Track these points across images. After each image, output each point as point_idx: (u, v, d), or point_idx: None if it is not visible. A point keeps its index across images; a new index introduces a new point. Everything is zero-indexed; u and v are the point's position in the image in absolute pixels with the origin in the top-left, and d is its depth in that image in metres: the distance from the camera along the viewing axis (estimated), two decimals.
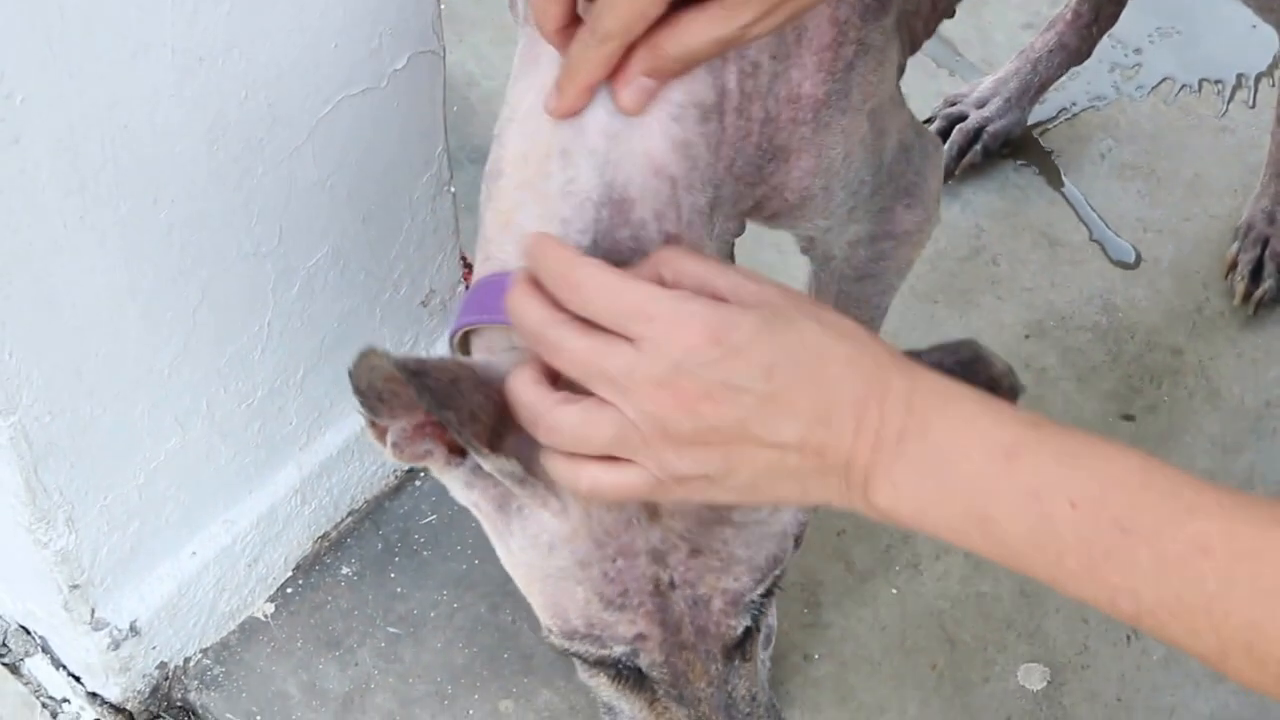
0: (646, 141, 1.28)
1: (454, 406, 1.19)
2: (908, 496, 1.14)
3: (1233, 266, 2.32)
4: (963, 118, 2.47)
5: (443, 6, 2.60)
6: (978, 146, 2.45)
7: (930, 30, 1.69)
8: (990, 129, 2.45)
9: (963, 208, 2.41)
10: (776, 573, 1.33)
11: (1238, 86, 2.60)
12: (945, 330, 2.26)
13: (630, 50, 1.24)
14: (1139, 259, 2.37)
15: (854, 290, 1.70)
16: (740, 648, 1.34)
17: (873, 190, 1.57)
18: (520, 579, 1.33)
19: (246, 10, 1.51)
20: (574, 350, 1.17)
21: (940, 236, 2.36)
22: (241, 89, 1.55)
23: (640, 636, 1.30)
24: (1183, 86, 2.60)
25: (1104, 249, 2.38)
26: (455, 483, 1.31)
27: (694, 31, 1.21)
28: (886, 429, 1.14)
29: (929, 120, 2.48)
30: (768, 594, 1.33)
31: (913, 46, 1.65)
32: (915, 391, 1.15)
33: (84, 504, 1.68)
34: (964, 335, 2.19)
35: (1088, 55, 2.47)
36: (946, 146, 2.44)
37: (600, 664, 1.33)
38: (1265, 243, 2.31)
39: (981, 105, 2.47)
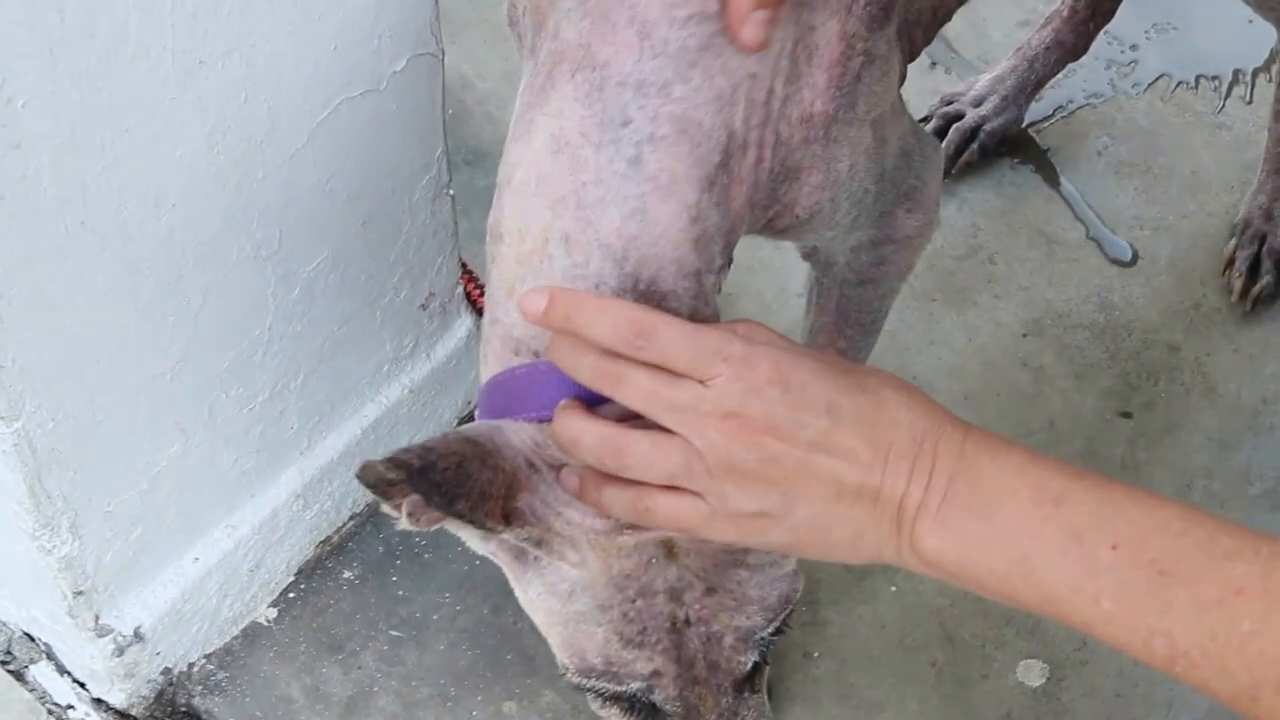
0: (675, 250, 1.29)
1: (464, 494, 1.21)
2: (953, 539, 1.18)
3: (1230, 263, 2.33)
4: (959, 116, 2.47)
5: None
6: (974, 145, 2.45)
7: (929, 37, 1.69)
8: (987, 127, 2.46)
9: (960, 206, 2.42)
10: (787, 611, 1.35)
11: (1234, 82, 2.60)
12: (943, 329, 2.27)
13: None
14: (1136, 256, 2.37)
15: (856, 295, 1.70)
16: (750, 680, 1.37)
17: (875, 197, 1.57)
18: (540, 622, 1.35)
19: (245, 13, 1.51)
20: (643, 382, 1.21)
21: (937, 235, 2.32)
22: (241, 92, 1.55)
23: (656, 673, 1.32)
24: (1179, 83, 2.60)
25: (1101, 247, 2.38)
26: (472, 537, 1.31)
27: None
28: (939, 471, 1.19)
29: (925, 119, 2.48)
30: (779, 632, 1.36)
31: (912, 54, 1.65)
32: (968, 439, 1.21)
33: (87, 510, 1.68)
34: (962, 333, 2.21)
35: (1084, 52, 2.48)
36: (943, 145, 2.44)
37: (615, 699, 1.34)
38: (1262, 239, 2.31)
39: (978, 103, 2.47)
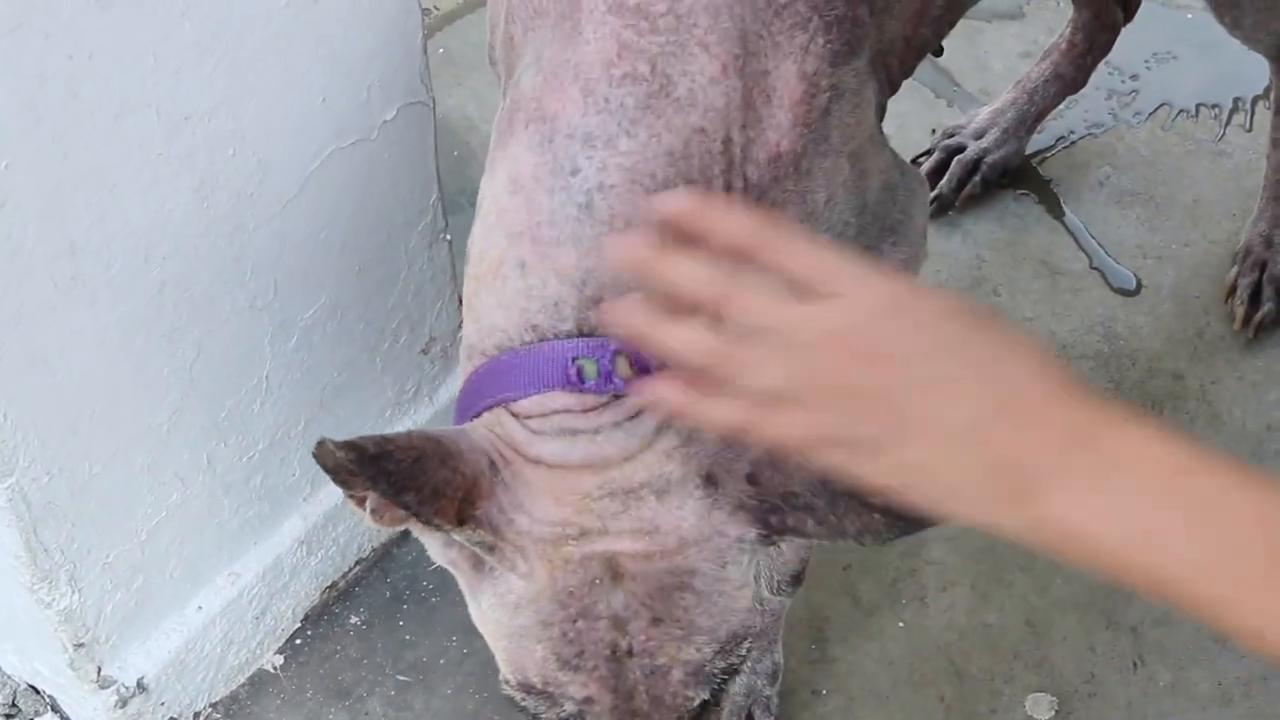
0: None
1: (414, 487, 1.24)
2: (1070, 507, 1.09)
3: (1232, 291, 2.32)
4: (961, 149, 2.47)
5: (440, 50, 2.65)
6: (977, 177, 2.45)
7: (908, 69, 1.69)
8: (989, 160, 2.46)
9: (963, 238, 2.42)
10: (742, 649, 1.36)
11: (1234, 110, 2.60)
12: None
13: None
14: (1139, 285, 2.37)
15: None
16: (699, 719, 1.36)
17: (857, 231, 1.57)
18: (488, 634, 1.37)
19: (231, 68, 1.52)
20: (753, 297, 1.14)
21: (941, 268, 2.36)
22: (229, 146, 1.57)
23: (589, 700, 1.33)
24: (1180, 111, 2.60)
25: (1104, 276, 2.38)
26: (434, 543, 1.35)
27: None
28: (1063, 437, 1.11)
29: (928, 152, 2.49)
30: (732, 670, 1.35)
31: (891, 86, 1.65)
32: (1096, 408, 1.12)
33: (86, 563, 1.69)
34: None
35: (1083, 84, 2.48)
36: (946, 178, 2.45)
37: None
38: (1263, 266, 2.31)
39: (979, 136, 2.48)
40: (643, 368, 1.31)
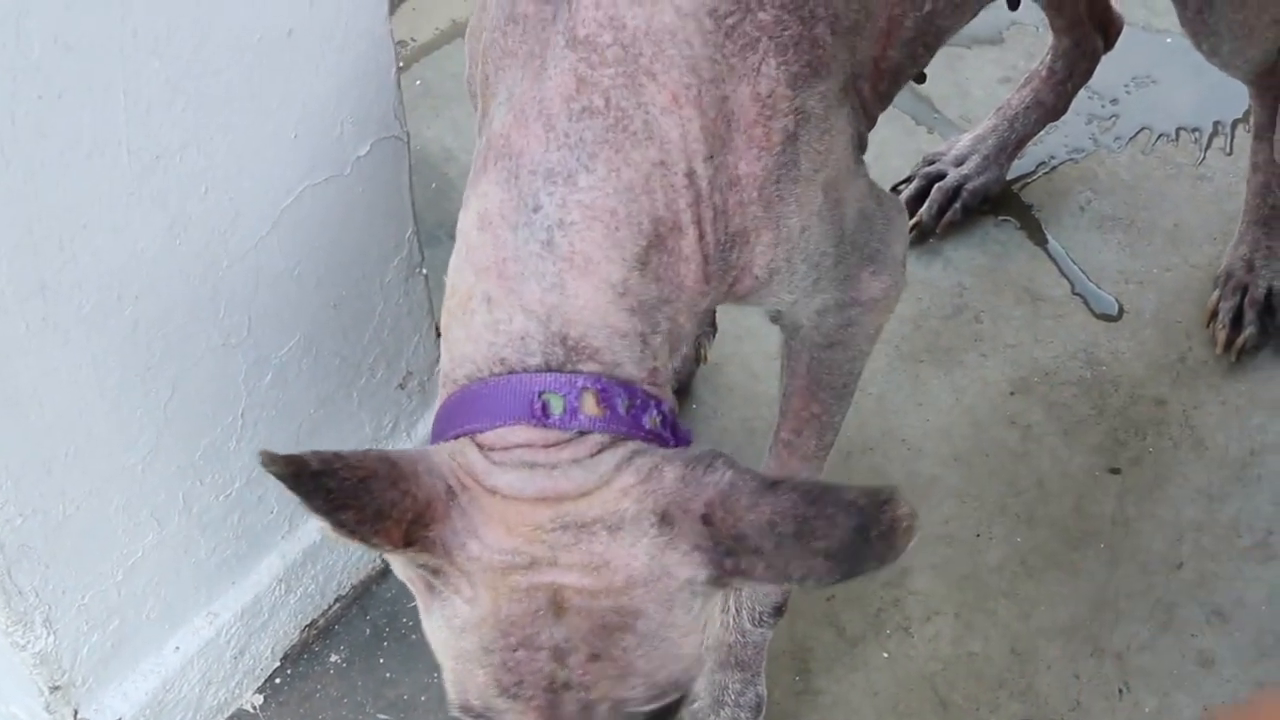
0: (604, 318, 1.33)
1: (355, 506, 1.25)
2: None
3: (1214, 315, 2.32)
4: (941, 176, 2.47)
5: (418, 82, 2.65)
6: (957, 204, 2.45)
7: (885, 96, 1.68)
8: (969, 186, 2.45)
9: (944, 266, 2.41)
10: (676, 696, 1.34)
11: (1214, 134, 2.60)
12: (931, 390, 2.26)
13: None
14: (1121, 311, 2.36)
15: (825, 357, 1.70)
16: None
17: (835, 260, 1.57)
18: (437, 652, 1.37)
19: (202, 106, 1.51)
20: None
21: (923, 295, 2.36)
22: (201, 184, 1.56)
23: None
24: (1160, 136, 2.60)
25: (1086, 302, 2.38)
26: (397, 562, 1.35)
27: None
28: None
29: (908, 179, 2.48)
30: (668, 712, 1.35)
31: (866, 115, 1.65)
32: None
33: (61, 604, 1.68)
34: (950, 394, 2.21)
35: (1064, 111, 2.48)
36: (926, 205, 2.44)
37: None
38: (1245, 290, 2.31)
39: (960, 163, 2.47)
40: (609, 405, 1.31)
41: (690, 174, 1.37)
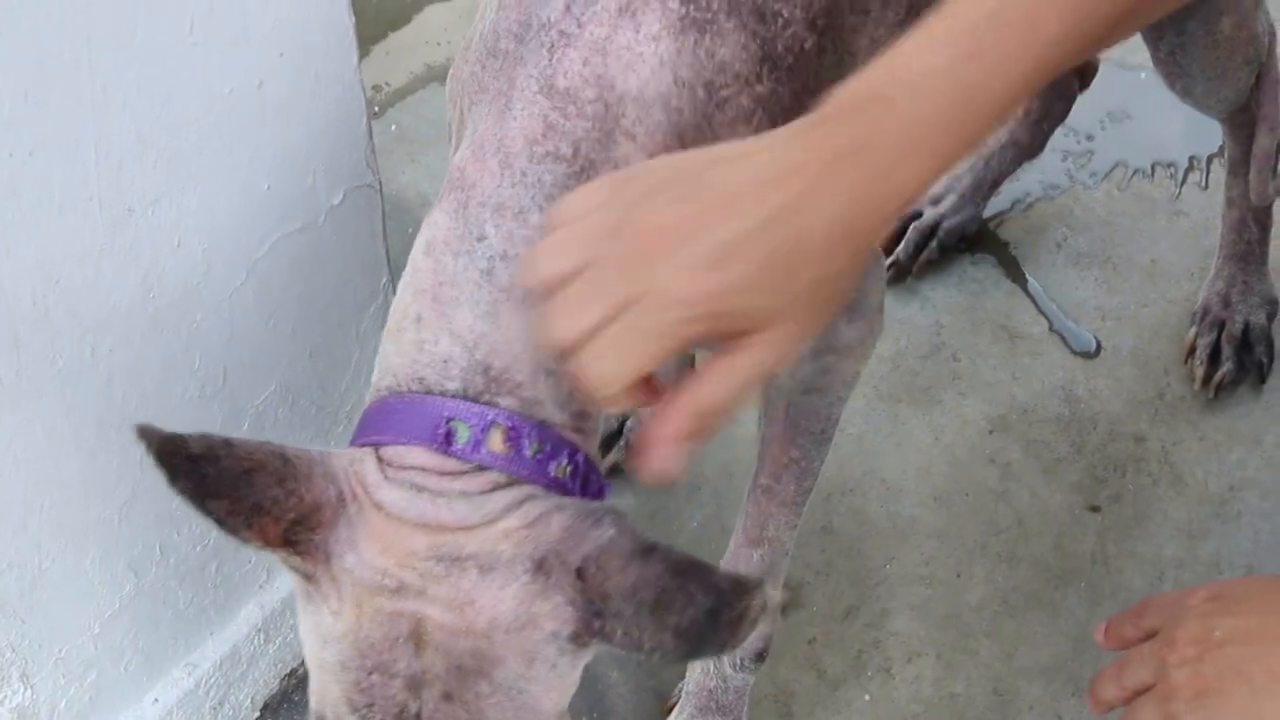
0: (530, 352, 1.32)
1: (231, 497, 1.27)
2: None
3: (1191, 351, 2.33)
4: (918, 215, 2.48)
5: (393, 127, 2.65)
6: (934, 243, 2.45)
7: None
8: (945, 225, 2.46)
9: (921, 305, 2.42)
10: None
11: (1190, 169, 2.61)
12: (909, 430, 2.26)
13: (664, 411, 1.21)
14: (1099, 348, 2.37)
15: (802, 403, 1.70)
16: None
17: None
18: (305, 655, 1.36)
19: (174, 159, 1.51)
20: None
21: (900, 335, 2.36)
22: (174, 236, 1.56)
23: None
24: (1135, 171, 2.61)
25: (1064, 339, 2.38)
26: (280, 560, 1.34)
27: (729, 381, 1.18)
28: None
29: None
30: None
31: None
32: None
33: (37, 659, 1.67)
34: (929, 433, 2.20)
35: (1040, 150, 2.49)
36: (902, 244, 2.45)
37: None
38: (1222, 326, 2.31)
39: (936, 202, 2.48)
40: (515, 445, 1.30)
41: None
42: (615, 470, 2.19)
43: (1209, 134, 2.55)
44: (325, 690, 1.33)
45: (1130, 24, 1.24)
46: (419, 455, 1.31)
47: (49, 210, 1.43)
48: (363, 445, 1.34)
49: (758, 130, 1.39)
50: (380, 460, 1.32)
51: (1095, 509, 2.19)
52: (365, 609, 1.29)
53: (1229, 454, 2.24)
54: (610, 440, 2.20)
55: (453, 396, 1.32)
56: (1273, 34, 2.13)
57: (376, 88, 2.69)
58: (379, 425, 1.34)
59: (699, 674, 1.86)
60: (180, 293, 1.60)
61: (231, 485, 1.27)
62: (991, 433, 2.27)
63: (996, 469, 2.23)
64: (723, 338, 1.17)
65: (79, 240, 1.47)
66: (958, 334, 2.39)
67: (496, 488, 1.30)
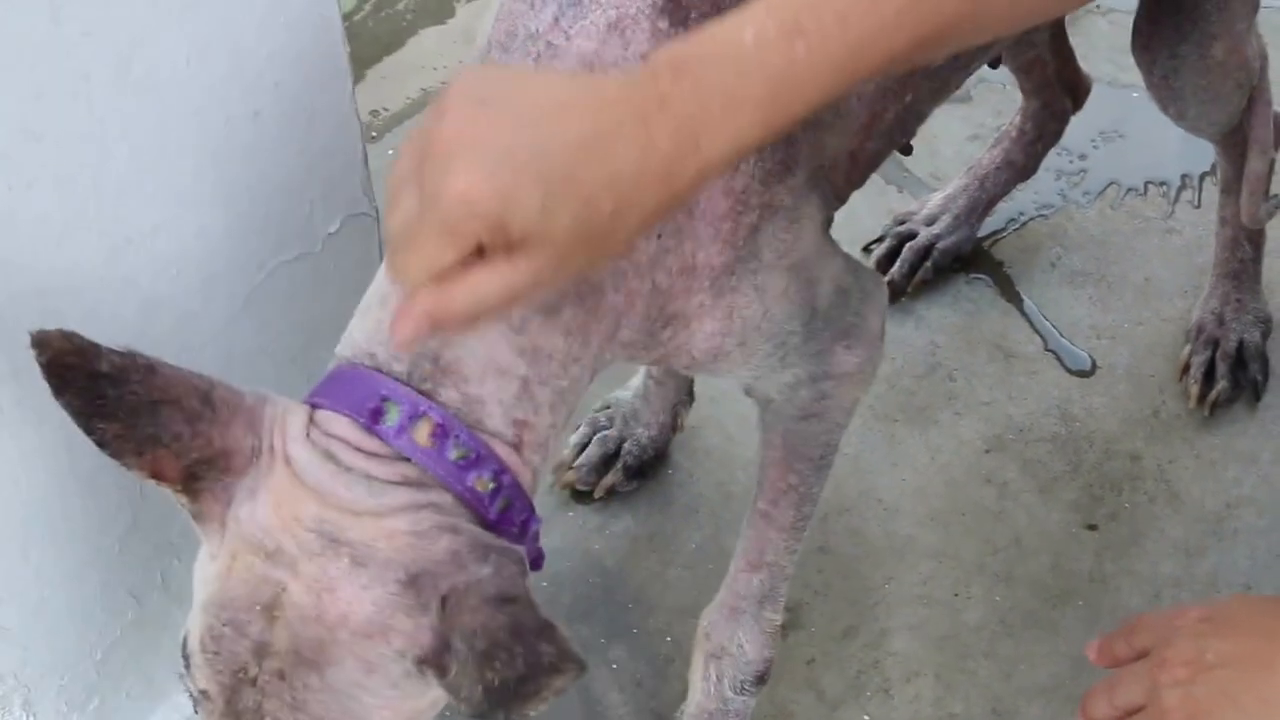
0: (488, 348, 1.34)
1: (125, 422, 1.28)
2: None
3: (1186, 369, 2.33)
4: (913, 235, 2.48)
5: (390, 152, 2.66)
6: (928, 263, 2.46)
7: (857, 182, 1.68)
8: (940, 245, 2.47)
9: (917, 324, 2.42)
10: None
11: (1183, 187, 2.61)
12: (906, 449, 2.27)
13: (416, 293, 1.23)
14: (1094, 366, 2.38)
15: (800, 429, 1.70)
16: None
17: (805, 337, 1.57)
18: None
19: (172, 189, 1.53)
20: None
21: (896, 355, 2.37)
22: (172, 266, 1.57)
23: (205, 694, 1.32)
24: (1128, 190, 2.62)
25: (1059, 358, 2.39)
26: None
27: (485, 283, 1.20)
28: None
29: (880, 238, 2.50)
30: None
31: (838, 199, 1.65)
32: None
33: (40, 686, 1.68)
34: (925, 453, 2.21)
35: (1034, 171, 2.50)
36: (898, 265, 2.46)
37: (188, 691, 1.35)
38: (1216, 344, 2.32)
39: (931, 222, 2.49)
40: (439, 444, 1.31)
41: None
42: (612, 492, 2.21)
43: (1201, 153, 2.56)
44: (195, 620, 1.33)
45: (971, 27, 1.26)
46: (344, 425, 1.32)
47: (48, 241, 1.44)
48: (307, 402, 1.36)
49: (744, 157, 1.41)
50: (310, 420, 1.33)
51: (1092, 528, 2.19)
52: (238, 563, 1.30)
53: (1225, 472, 2.24)
54: (608, 461, 2.21)
55: (397, 378, 1.33)
56: (1264, 58, 2.14)
57: (373, 112, 2.70)
58: (323, 389, 1.36)
59: (700, 696, 1.87)
60: (178, 320, 1.61)
61: (131, 412, 1.28)
62: (988, 452, 2.28)
63: (993, 488, 2.23)
64: (500, 248, 1.18)
65: (78, 270, 1.48)
66: (953, 353, 2.39)
67: (404, 483, 1.31)
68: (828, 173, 1.58)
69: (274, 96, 1.59)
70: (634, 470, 2.21)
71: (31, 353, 1.46)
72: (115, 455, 1.30)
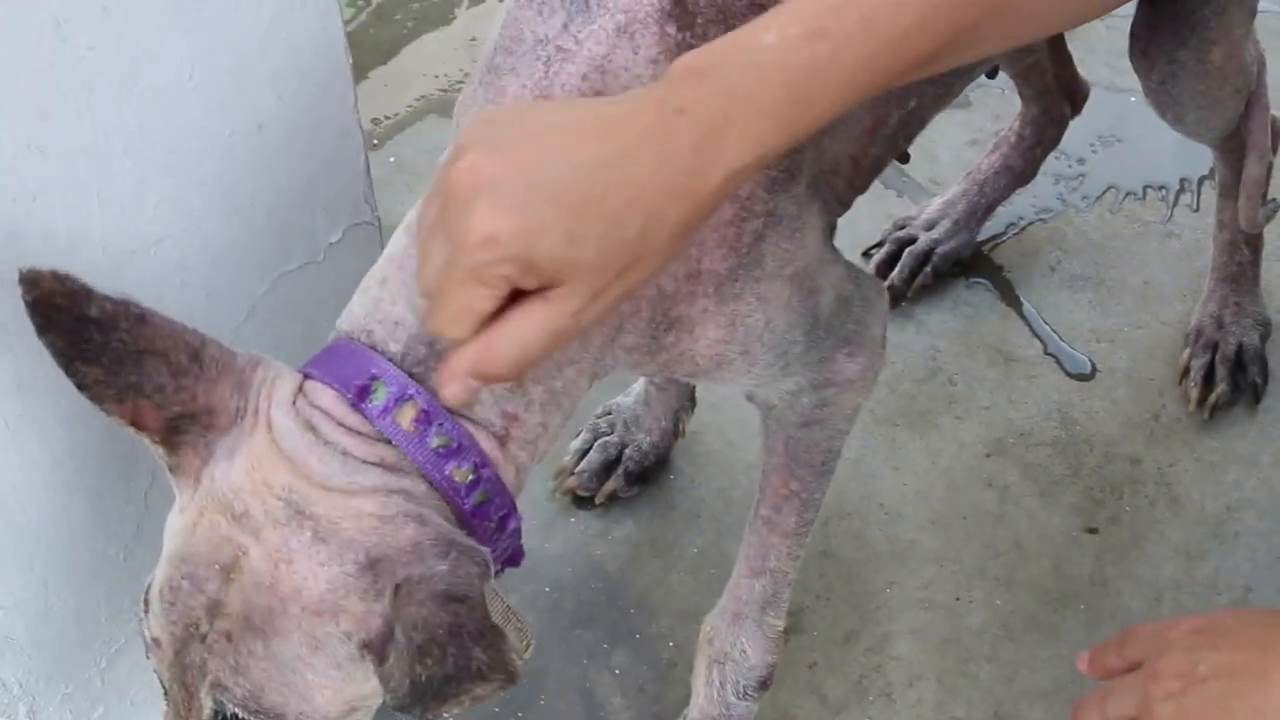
0: None
1: (106, 368, 1.29)
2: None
3: (1185, 373, 2.34)
4: (912, 240, 2.49)
5: (392, 159, 2.67)
6: (928, 268, 2.47)
7: (860, 185, 1.69)
8: (940, 250, 2.48)
9: (917, 329, 2.43)
10: None
11: (1181, 191, 2.62)
12: (906, 454, 2.28)
13: (461, 349, 1.23)
14: (1094, 370, 2.38)
15: (802, 436, 1.71)
16: None
17: (807, 346, 1.58)
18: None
19: (176, 202, 1.53)
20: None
21: (896, 359, 2.37)
22: (176, 277, 1.57)
23: (157, 641, 1.34)
24: (1127, 194, 2.62)
25: (1059, 362, 2.39)
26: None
27: (525, 328, 1.20)
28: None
29: (879, 244, 2.50)
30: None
31: (841, 204, 1.66)
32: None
33: (45, 695, 1.68)
34: (925, 457, 2.22)
35: (1033, 176, 2.50)
36: (897, 270, 2.46)
37: (142, 636, 1.37)
38: (1215, 347, 2.33)
39: (930, 227, 2.50)
40: (421, 429, 1.32)
41: None
42: (614, 498, 2.21)
43: (1199, 156, 2.56)
44: (159, 570, 1.35)
45: (997, 33, 1.27)
46: (330, 398, 1.34)
47: (53, 254, 1.44)
48: (301, 370, 1.37)
49: None
50: (299, 389, 1.35)
51: (1093, 531, 2.20)
52: (204, 520, 1.32)
53: (1225, 475, 2.25)
54: (609, 467, 2.22)
55: (391, 359, 1.34)
56: (1261, 63, 2.15)
57: (375, 120, 2.71)
58: (317, 360, 1.37)
59: (703, 702, 1.87)
60: None
61: (115, 359, 1.29)
62: (988, 456, 2.28)
63: (994, 492, 2.24)
64: (533, 285, 1.19)
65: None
66: (953, 358, 2.40)
67: (380, 465, 1.32)
68: (830, 179, 1.59)
69: (277, 109, 1.60)
70: (635, 476, 2.21)
71: (34, 366, 1.48)
72: (94, 399, 1.31)
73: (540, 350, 1.21)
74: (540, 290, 1.18)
